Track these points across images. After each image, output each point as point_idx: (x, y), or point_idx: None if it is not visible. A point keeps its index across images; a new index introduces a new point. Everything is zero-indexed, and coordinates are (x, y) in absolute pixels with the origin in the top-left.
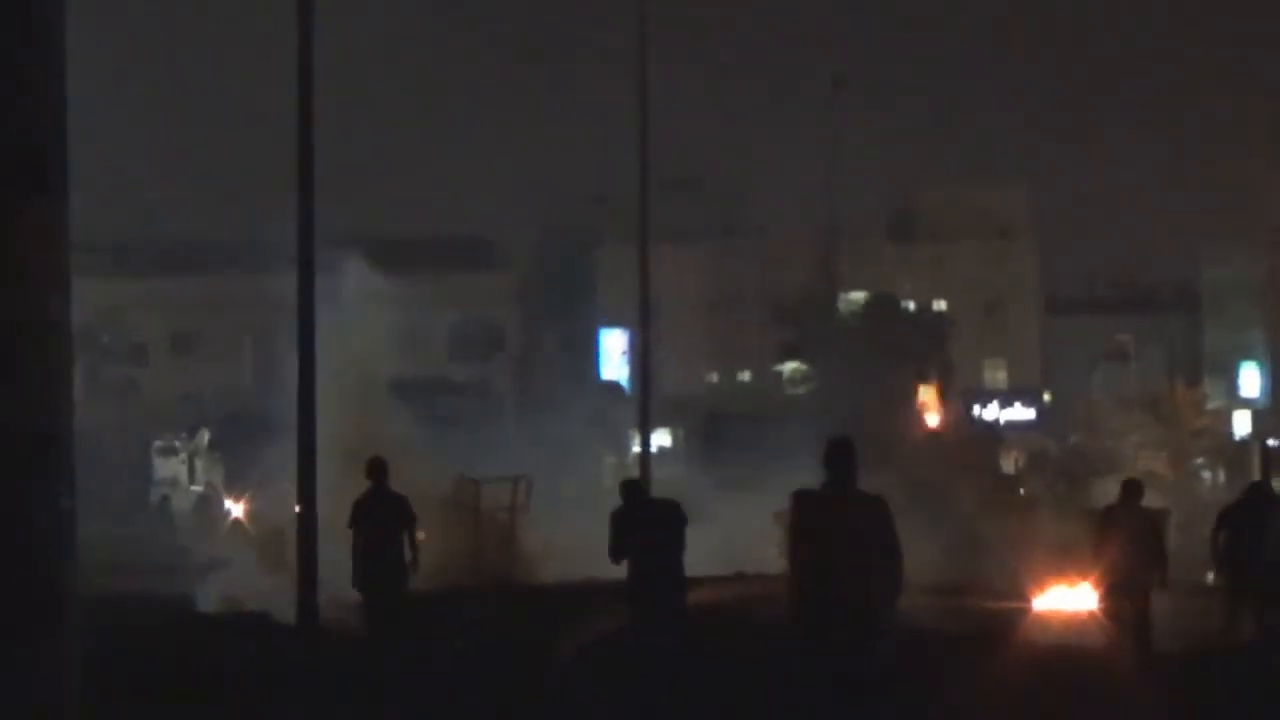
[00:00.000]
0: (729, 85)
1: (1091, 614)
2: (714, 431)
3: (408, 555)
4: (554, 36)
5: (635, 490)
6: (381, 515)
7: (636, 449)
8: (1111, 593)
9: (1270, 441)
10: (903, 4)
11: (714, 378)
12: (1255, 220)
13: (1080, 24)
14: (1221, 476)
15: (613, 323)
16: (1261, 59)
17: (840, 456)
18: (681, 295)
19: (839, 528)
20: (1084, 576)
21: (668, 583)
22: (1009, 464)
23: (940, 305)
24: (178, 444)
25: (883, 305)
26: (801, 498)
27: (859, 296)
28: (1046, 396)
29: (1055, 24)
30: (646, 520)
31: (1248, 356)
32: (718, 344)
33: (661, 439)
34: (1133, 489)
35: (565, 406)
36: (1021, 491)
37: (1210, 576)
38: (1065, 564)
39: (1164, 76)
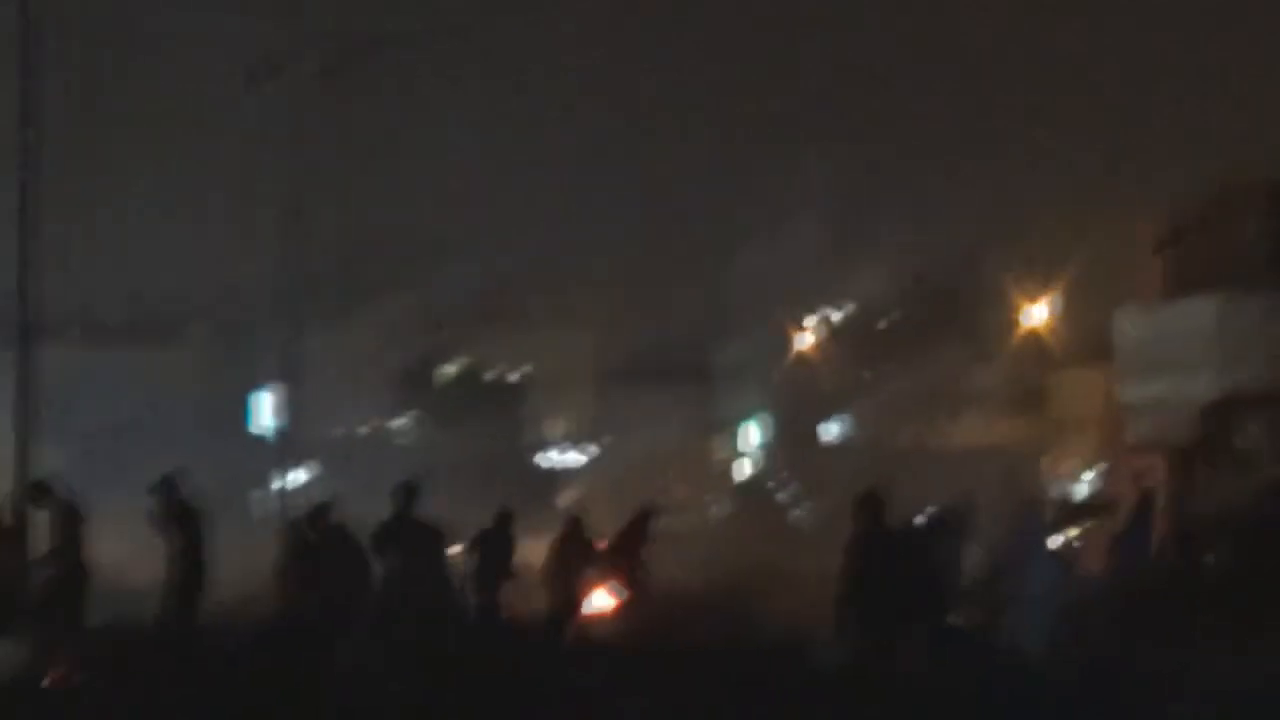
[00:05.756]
0: None
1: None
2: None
3: None
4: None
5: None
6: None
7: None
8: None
9: (770, 484)
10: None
11: (342, 429)
12: (760, 312)
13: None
14: (725, 508)
15: (266, 385)
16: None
17: (405, 494)
18: (322, 364)
19: (410, 542)
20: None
21: None
22: (567, 496)
23: (517, 374)
24: None
25: (472, 373)
26: (381, 525)
27: (454, 365)
28: (597, 446)
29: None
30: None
31: (749, 416)
32: (345, 403)
33: (301, 476)
34: (572, 523)
35: (225, 450)
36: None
37: None
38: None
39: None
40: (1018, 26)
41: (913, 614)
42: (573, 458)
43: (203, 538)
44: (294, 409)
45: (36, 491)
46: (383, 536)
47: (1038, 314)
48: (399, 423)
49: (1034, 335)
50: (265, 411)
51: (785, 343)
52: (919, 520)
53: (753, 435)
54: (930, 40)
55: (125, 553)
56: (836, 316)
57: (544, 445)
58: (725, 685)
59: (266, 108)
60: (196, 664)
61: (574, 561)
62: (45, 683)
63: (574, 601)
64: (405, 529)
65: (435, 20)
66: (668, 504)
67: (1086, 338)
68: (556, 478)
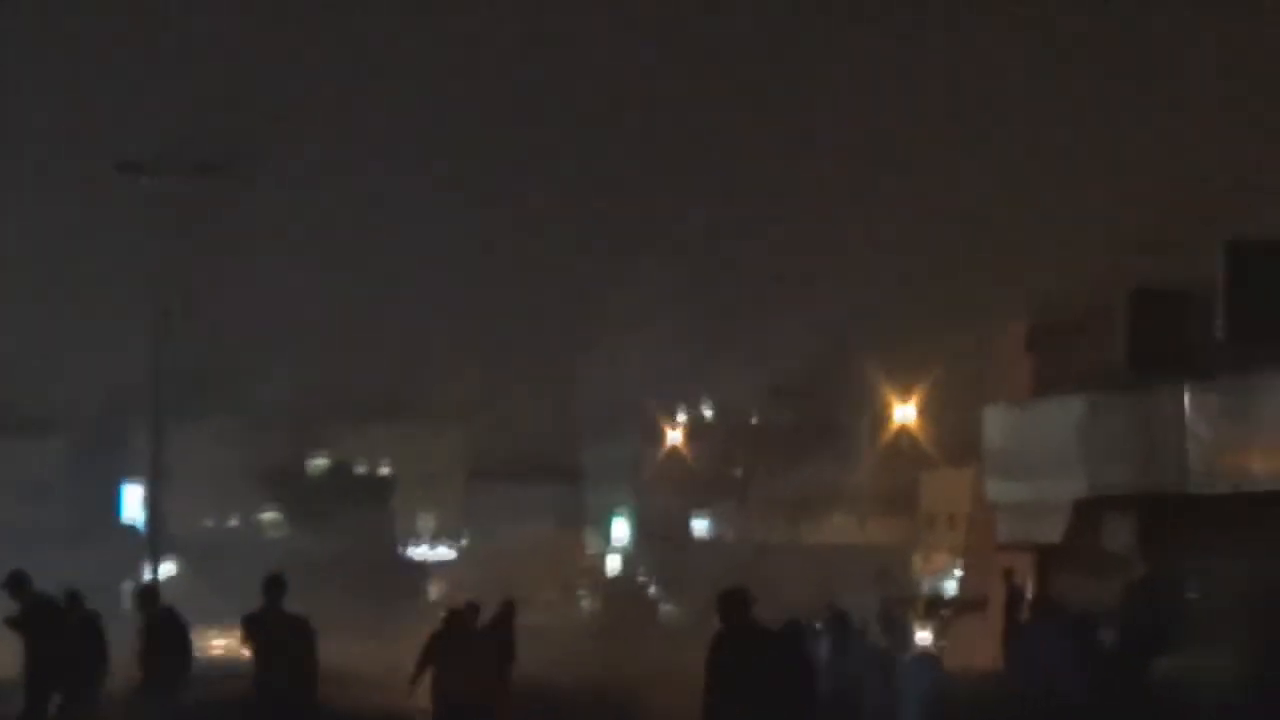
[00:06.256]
0: None
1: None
2: (210, 565)
3: None
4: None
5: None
6: None
7: (148, 577)
8: (437, 699)
9: (640, 578)
10: None
11: (210, 523)
12: (631, 414)
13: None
14: (596, 603)
15: (135, 479)
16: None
17: (272, 587)
18: (191, 459)
19: (277, 636)
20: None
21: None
22: (435, 591)
23: (385, 470)
24: None
25: (340, 469)
26: (246, 619)
27: (323, 462)
28: (465, 541)
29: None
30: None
31: (618, 512)
32: (215, 497)
33: (168, 570)
34: (455, 618)
35: (95, 542)
36: (443, 612)
37: None
38: None
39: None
40: (891, 119)
41: (780, 714)
42: (442, 552)
43: (60, 631)
44: (161, 501)
45: None
46: (251, 627)
47: (907, 413)
48: (269, 516)
49: (904, 433)
50: (134, 503)
51: (656, 439)
52: (817, 624)
53: (622, 530)
54: (795, 135)
55: None
56: (709, 413)
57: (413, 539)
58: None
59: (137, 202)
60: None
61: (454, 655)
62: None
63: (456, 696)
64: (272, 621)
65: (304, 120)
66: (537, 599)
67: (955, 436)
68: (426, 571)
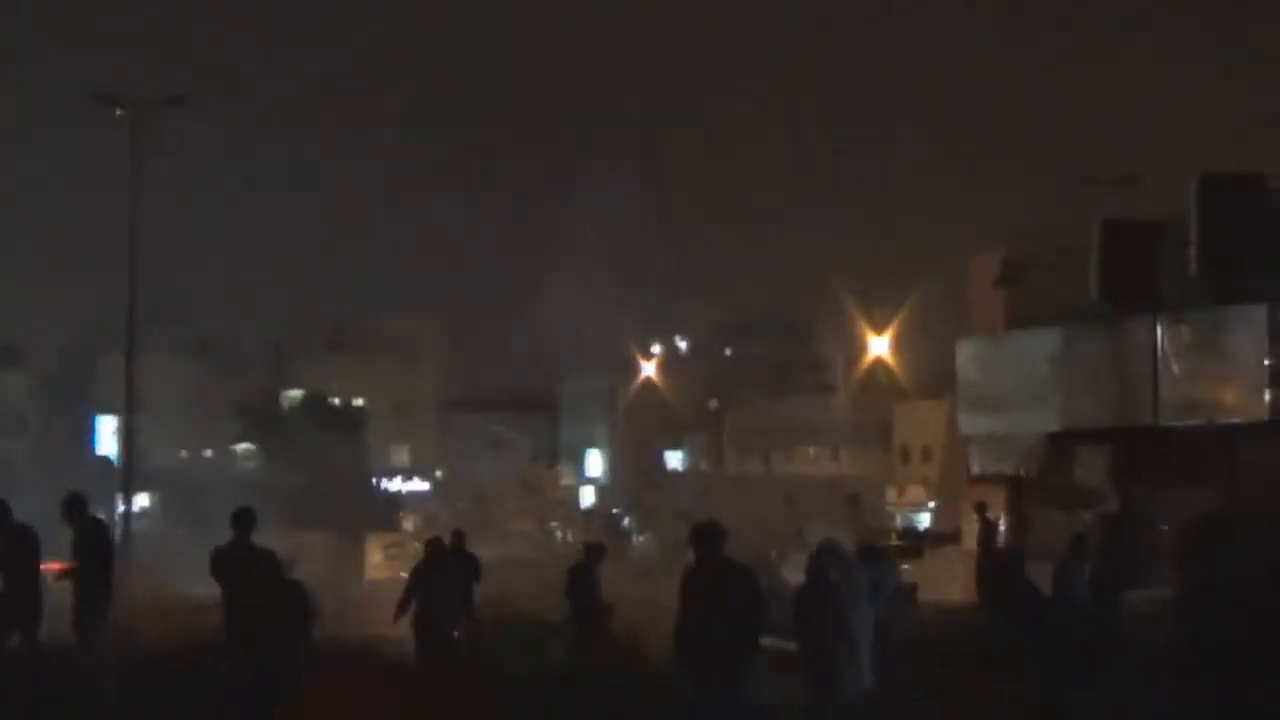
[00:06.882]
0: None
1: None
2: (184, 497)
3: None
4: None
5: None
6: None
7: (121, 508)
8: (421, 629)
9: (614, 510)
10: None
11: (184, 454)
12: (605, 347)
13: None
14: (570, 535)
15: (107, 411)
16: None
17: (240, 521)
18: (164, 391)
19: (243, 571)
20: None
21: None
22: (409, 523)
23: (359, 402)
24: None
25: (314, 401)
26: (215, 553)
27: (297, 394)
28: (439, 474)
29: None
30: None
31: (593, 445)
32: (189, 429)
33: (142, 501)
34: (436, 547)
35: (67, 475)
36: (417, 544)
37: None
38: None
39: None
40: (869, 62)
41: (749, 646)
42: (416, 485)
43: (36, 562)
44: (134, 433)
45: None
46: (219, 562)
47: (882, 346)
48: (243, 447)
49: (879, 366)
50: (108, 435)
51: (630, 371)
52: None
53: (596, 463)
54: (769, 76)
55: None
56: (683, 346)
57: (387, 472)
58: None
59: (107, 135)
60: (41, 686)
61: (436, 586)
62: None
63: (442, 626)
64: (241, 554)
65: (275, 53)
66: (511, 531)
67: (930, 369)
68: (399, 504)
